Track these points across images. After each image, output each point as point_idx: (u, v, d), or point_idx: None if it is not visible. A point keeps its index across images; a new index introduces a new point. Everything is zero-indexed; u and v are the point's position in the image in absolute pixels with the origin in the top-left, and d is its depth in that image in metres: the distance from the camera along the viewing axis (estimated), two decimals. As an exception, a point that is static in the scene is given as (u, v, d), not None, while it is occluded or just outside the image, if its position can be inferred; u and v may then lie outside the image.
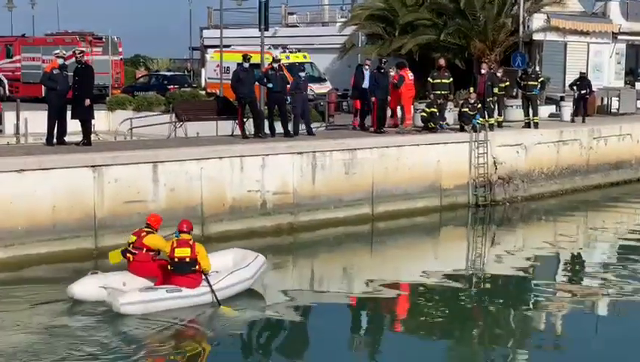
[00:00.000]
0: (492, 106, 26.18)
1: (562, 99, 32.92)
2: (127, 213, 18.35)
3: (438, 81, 25.41)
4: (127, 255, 14.90)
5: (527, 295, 16.94)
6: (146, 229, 15.04)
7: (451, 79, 25.78)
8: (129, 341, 13.09)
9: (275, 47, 35.78)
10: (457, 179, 24.53)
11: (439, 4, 34.08)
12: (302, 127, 23.36)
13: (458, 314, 15.61)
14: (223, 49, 37.14)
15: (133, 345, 12.96)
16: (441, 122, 25.22)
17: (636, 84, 39.62)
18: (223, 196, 19.97)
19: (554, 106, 32.88)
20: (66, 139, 20.13)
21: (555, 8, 34.94)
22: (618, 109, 34.31)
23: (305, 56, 35.82)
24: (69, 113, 20.11)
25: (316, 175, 21.55)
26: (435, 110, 24.95)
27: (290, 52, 35.64)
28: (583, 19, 37.01)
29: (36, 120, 27.03)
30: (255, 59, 24.61)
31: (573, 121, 30.17)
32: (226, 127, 25.66)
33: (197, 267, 14.39)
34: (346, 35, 37.37)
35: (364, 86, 24.74)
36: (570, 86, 31.43)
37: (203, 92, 38.18)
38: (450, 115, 26.71)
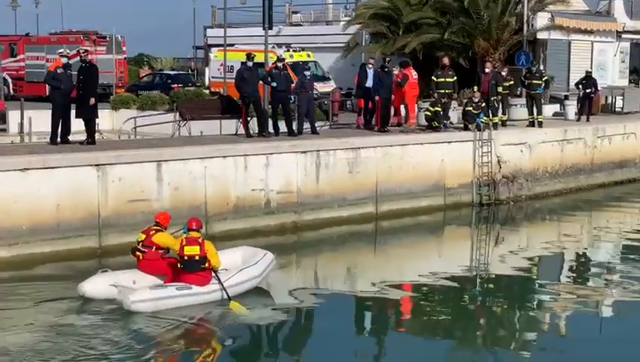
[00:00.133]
0: (496, 105, 26.17)
1: (566, 98, 32.89)
2: (131, 212, 18.37)
3: (442, 80, 25.40)
4: (137, 253, 14.96)
5: (531, 295, 16.93)
6: (154, 227, 15.10)
7: (455, 78, 25.77)
8: (140, 339, 13.13)
9: (279, 45, 35.79)
10: (461, 178, 24.52)
11: (443, 2, 34.03)
12: (306, 125, 23.36)
13: (462, 313, 15.61)
14: (227, 48, 37.16)
15: (143, 342, 13.01)
16: (444, 121, 25.21)
17: (640, 82, 39.63)
18: (227, 195, 19.98)
19: (558, 105, 32.88)
20: (70, 138, 20.14)
21: (559, 7, 34.86)
22: (622, 108, 34.27)
23: (309, 55, 35.78)
24: (73, 112, 20.12)
25: (320, 174, 21.55)
26: (439, 109, 24.94)
27: (294, 51, 35.62)
28: (587, 18, 36.93)
29: (40, 119, 27.07)
30: (259, 58, 24.62)
31: (579, 119, 30.14)
32: (230, 126, 25.68)
33: (206, 265, 14.47)
34: (349, 34, 37.35)
35: (367, 85, 24.72)
36: (577, 85, 31.40)
37: (207, 91, 38.18)
38: (454, 114, 26.69)
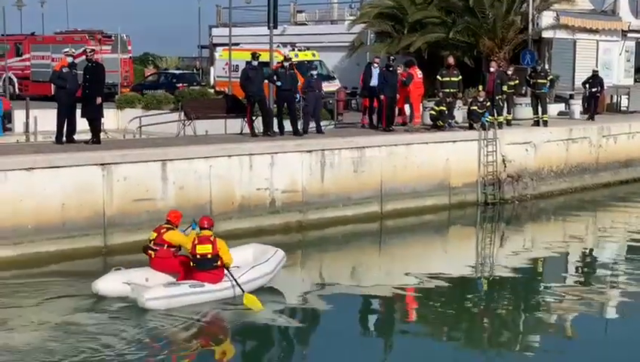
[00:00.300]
0: (501, 104, 26.15)
1: (571, 97, 32.89)
2: (136, 211, 18.40)
3: (447, 79, 25.38)
4: (149, 251, 15.05)
5: (535, 295, 16.86)
6: (166, 225, 15.18)
7: (460, 77, 25.74)
8: (153, 336, 13.22)
9: (284, 45, 35.80)
10: (466, 177, 24.51)
11: (448, 2, 34.02)
12: (311, 124, 23.37)
13: (467, 313, 15.58)
14: (232, 47, 37.18)
15: (156, 340, 13.10)
16: (449, 120, 25.20)
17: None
18: (232, 194, 19.99)
19: (563, 104, 32.85)
20: (76, 137, 20.17)
21: (564, 6, 34.84)
22: (627, 107, 34.25)
23: (314, 54, 35.81)
24: (78, 111, 20.15)
25: (325, 173, 21.56)
26: (444, 108, 24.92)
27: (299, 50, 35.63)
28: (593, 17, 36.89)
29: (46, 118, 27.15)
30: (264, 57, 24.62)
31: (589, 118, 30.08)
32: (235, 125, 25.71)
33: (219, 263, 14.57)
34: (354, 33, 37.35)
35: (372, 84, 24.73)
36: (583, 84, 31.39)
37: (212, 90, 38.20)
38: (459, 113, 26.68)
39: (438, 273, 17.86)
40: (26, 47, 44.28)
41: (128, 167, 18.44)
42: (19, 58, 44.20)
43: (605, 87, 32.37)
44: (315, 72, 24.25)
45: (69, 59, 20.02)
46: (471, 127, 25.13)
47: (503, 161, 25.21)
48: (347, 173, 21.98)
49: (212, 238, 14.62)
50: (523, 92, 30.19)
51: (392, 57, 25.89)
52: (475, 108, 25.03)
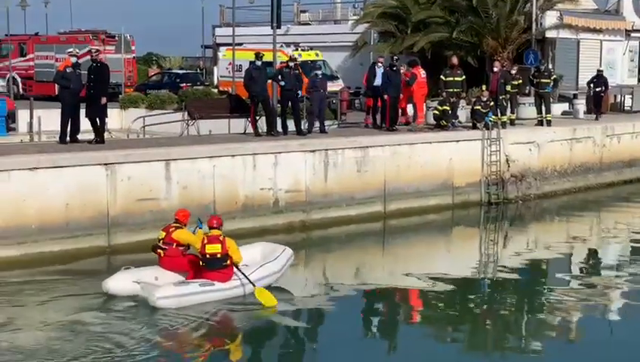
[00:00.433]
0: (505, 104, 26.14)
1: (575, 96, 32.85)
2: (140, 211, 18.43)
3: (451, 79, 25.36)
4: (158, 250, 15.11)
5: (539, 296, 16.85)
6: (174, 224, 15.25)
7: (464, 77, 25.72)
8: (164, 335, 13.31)
9: (287, 45, 35.83)
10: (470, 177, 24.50)
11: (452, 1, 33.98)
12: (315, 124, 23.38)
13: (470, 314, 15.58)
14: (236, 47, 37.20)
15: (169, 339, 13.23)
16: (453, 120, 25.19)
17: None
18: (236, 194, 20.01)
19: (567, 104, 32.83)
20: (79, 137, 20.19)
21: (567, 6, 34.81)
22: (631, 107, 34.20)
23: (317, 54, 35.79)
24: (82, 111, 20.16)
25: (328, 173, 21.56)
26: (448, 108, 24.92)
27: (303, 50, 35.63)
28: (596, 17, 36.84)
29: (49, 118, 27.12)
30: (267, 57, 24.63)
31: (596, 118, 30.04)
32: (239, 125, 25.72)
33: (228, 262, 14.66)
34: (358, 33, 37.35)
35: (375, 84, 24.72)
36: (588, 83, 31.37)
37: (215, 90, 38.20)
38: (463, 113, 26.68)
39: (441, 273, 17.85)
40: (30, 47, 44.31)
41: (132, 166, 18.46)
42: (23, 58, 44.23)
43: (610, 87, 32.34)
44: (319, 72, 24.27)
45: (73, 60, 20.06)
46: (474, 127, 25.12)
47: (507, 160, 25.20)
48: (350, 172, 21.98)
49: (221, 238, 14.70)
50: (526, 92, 30.16)
51: (395, 57, 25.90)
52: (479, 107, 25.01)
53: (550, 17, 34.50)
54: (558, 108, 31.70)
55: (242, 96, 27.11)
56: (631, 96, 34.48)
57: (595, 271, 19.13)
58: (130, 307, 14.36)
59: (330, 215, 21.52)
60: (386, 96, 24.26)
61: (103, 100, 20.04)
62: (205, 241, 14.63)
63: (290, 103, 22.98)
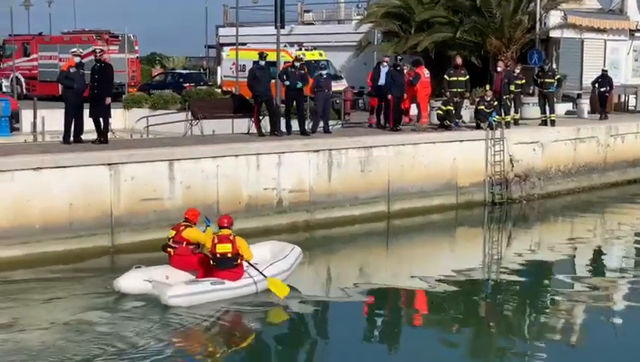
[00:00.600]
0: (508, 104, 26.11)
1: (579, 96, 32.82)
2: (144, 211, 18.43)
3: (455, 79, 25.34)
4: (168, 249, 15.18)
5: (542, 297, 16.81)
6: (184, 223, 15.34)
7: (467, 77, 25.71)
8: (174, 334, 13.38)
9: (291, 44, 35.84)
10: (473, 177, 24.47)
11: (455, 1, 33.99)
12: (319, 124, 23.37)
13: (473, 314, 15.57)
14: (239, 47, 37.18)
15: (180, 337, 13.32)
16: (456, 120, 25.17)
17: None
18: (239, 194, 20.00)
19: (571, 104, 32.79)
20: (83, 137, 20.18)
21: (571, 5, 34.78)
22: (635, 106, 34.17)
23: (321, 54, 35.80)
24: (86, 111, 20.17)
25: (332, 173, 21.55)
26: (451, 108, 24.89)
27: (306, 50, 35.62)
28: (600, 17, 36.80)
29: (53, 118, 27.16)
30: (271, 57, 24.63)
31: (601, 118, 29.99)
32: (242, 125, 25.71)
33: (238, 261, 14.73)
34: (361, 33, 37.34)
35: (379, 83, 24.71)
36: (593, 83, 31.33)
37: (219, 90, 38.24)
38: (467, 113, 26.66)
39: (445, 274, 17.80)
40: (34, 47, 44.33)
41: (135, 166, 18.46)
42: (26, 58, 44.25)
43: (614, 87, 32.31)
44: (324, 72, 24.27)
45: (77, 59, 20.05)
46: (478, 127, 25.10)
47: (511, 160, 25.17)
48: (354, 172, 21.97)
49: (231, 237, 14.76)
50: (530, 91, 30.14)
51: (399, 57, 25.89)
52: (483, 107, 24.99)
53: (554, 17, 34.48)
54: (562, 107, 31.64)
55: (246, 96, 27.12)
56: (635, 95, 34.46)
57: (599, 273, 19.05)
58: (138, 306, 14.40)
59: (334, 215, 21.51)
60: (389, 96, 24.24)
61: (108, 100, 20.05)
62: (216, 241, 14.69)
63: (294, 103, 22.96)
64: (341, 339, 13.72)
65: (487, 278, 18.53)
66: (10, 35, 44.43)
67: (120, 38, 41.85)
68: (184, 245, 15.08)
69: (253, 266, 14.90)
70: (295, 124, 22.87)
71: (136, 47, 43.70)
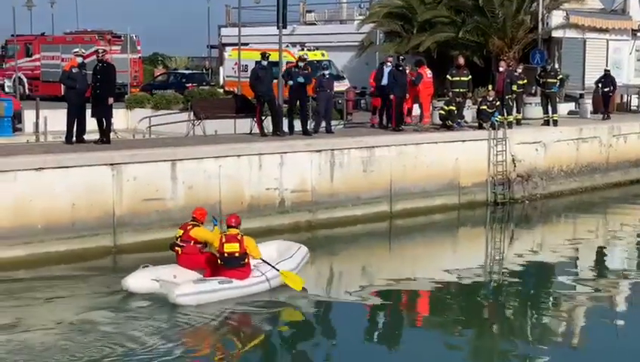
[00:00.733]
0: (511, 104, 26.11)
1: (582, 96, 32.79)
2: (146, 211, 18.43)
3: (457, 79, 25.34)
4: (175, 248, 15.23)
5: (545, 298, 16.75)
6: (192, 222, 15.39)
7: (470, 77, 25.72)
8: (183, 333, 13.42)
9: (293, 45, 35.83)
10: (476, 177, 24.46)
11: (457, 1, 33.95)
12: (321, 124, 23.36)
13: (475, 315, 15.53)
14: (241, 47, 37.20)
15: (189, 336, 13.35)
16: (459, 120, 25.16)
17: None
18: (241, 194, 20.00)
19: (573, 103, 32.77)
20: (85, 137, 20.19)
21: (574, 5, 34.73)
22: (638, 107, 34.14)
23: (323, 54, 35.78)
24: (88, 112, 20.17)
25: (334, 173, 21.55)
26: (454, 108, 24.88)
27: (308, 50, 35.61)
28: (602, 16, 36.76)
29: (55, 118, 27.21)
30: (273, 57, 24.63)
31: (604, 118, 29.97)
32: (244, 125, 25.70)
33: (246, 260, 14.80)
34: (364, 33, 37.34)
35: (382, 83, 24.70)
36: (596, 83, 31.31)
37: (221, 90, 38.24)
38: (469, 113, 26.65)
39: (447, 274, 17.82)
40: (36, 47, 44.37)
41: (138, 166, 18.47)
42: (29, 58, 44.30)
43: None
44: (327, 72, 24.28)
45: (79, 60, 20.07)
46: (480, 127, 25.09)
47: (513, 160, 25.16)
48: (357, 172, 21.97)
49: (239, 237, 14.81)
50: (533, 91, 30.13)
51: (401, 57, 25.88)
52: (485, 107, 24.99)
53: (556, 17, 34.45)
54: (564, 107, 31.64)
55: (248, 96, 27.12)
56: (637, 95, 34.43)
57: (601, 274, 18.98)
58: (146, 305, 14.44)
59: (336, 215, 21.51)
60: (392, 96, 24.23)
61: (110, 100, 20.06)
62: (224, 240, 14.74)
63: (298, 102, 22.96)
64: (345, 339, 13.73)
65: (490, 279, 18.50)
66: (12, 36, 44.45)
67: (122, 38, 41.90)
68: (192, 244, 15.13)
69: (265, 261, 14.98)
70: (297, 124, 22.87)
71: (139, 48, 43.75)
